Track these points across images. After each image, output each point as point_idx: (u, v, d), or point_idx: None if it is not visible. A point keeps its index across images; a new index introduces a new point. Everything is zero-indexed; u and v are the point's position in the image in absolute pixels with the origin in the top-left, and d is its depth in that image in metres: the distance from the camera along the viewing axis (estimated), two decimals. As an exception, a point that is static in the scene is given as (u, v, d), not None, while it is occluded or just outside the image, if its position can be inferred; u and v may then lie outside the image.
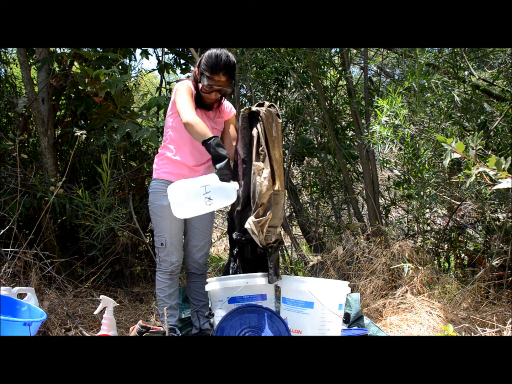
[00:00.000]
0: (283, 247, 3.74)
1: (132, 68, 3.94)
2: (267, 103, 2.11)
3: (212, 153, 1.89)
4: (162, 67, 3.88)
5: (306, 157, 4.23)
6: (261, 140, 2.03)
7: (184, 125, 1.98)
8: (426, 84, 2.75)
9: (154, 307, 2.78)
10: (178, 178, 2.14)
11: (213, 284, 2.08)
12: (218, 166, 1.87)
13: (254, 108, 2.05)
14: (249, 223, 1.97)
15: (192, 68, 3.65)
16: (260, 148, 2.04)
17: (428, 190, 2.88)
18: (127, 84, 3.62)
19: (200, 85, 2.08)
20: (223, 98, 2.21)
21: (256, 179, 2.00)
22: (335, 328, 1.98)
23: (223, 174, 1.87)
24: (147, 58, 3.90)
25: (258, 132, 2.04)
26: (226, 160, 1.87)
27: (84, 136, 2.83)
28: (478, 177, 2.52)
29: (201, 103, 2.15)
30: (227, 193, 1.89)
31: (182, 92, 2.05)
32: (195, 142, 2.03)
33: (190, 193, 1.88)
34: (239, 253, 2.17)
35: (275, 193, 2.03)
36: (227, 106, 2.28)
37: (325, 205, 4.24)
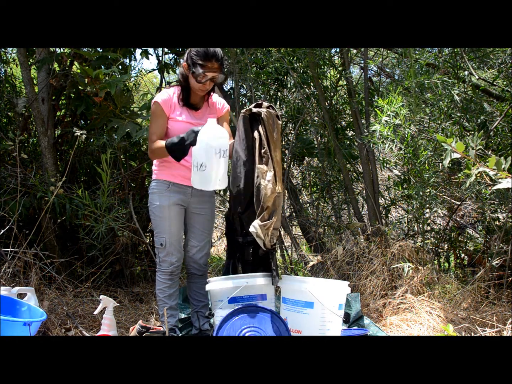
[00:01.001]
0: (284, 247, 3.75)
1: (132, 68, 3.94)
2: (265, 104, 2.10)
3: (181, 157, 1.99)
4: (162, 67, 3.87)
5: (306, 157, 4.23)
6: (263, 142, 2.02)
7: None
8: (426, 84, 2.75)
9: (154, 307, 2.78)
10: (177, 178, 2.15)
11: (213, 284, 2.08)
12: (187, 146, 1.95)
13: (254, 110, 2.04)
14: (255, 227, 1.95)
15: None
16: (263, 151, 2.02)
17: (428, 190, 2.88)
18: (127, 84, 3.62)
19: (192, 79, 2.08)
20: (212, 92, 2.21)
21: (260, 182, 1.99)
22: (335, 328, 1.98)
23: (182, 147, 1.95)
24: (147, 58, 3.89)
25: (260, 134, 2.03)
26: (183, 147, 1.95)
27: (84, 136, 2.83)
28: (478, 177, 2.52)
29: (189, 103, 2.15)
30: (209, 141, 1.90)
31: (151, 117, 2.16)
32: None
33: (211, 160, 1.93)
34: (240, 255, 2.17)
35: (277, 195, 2.02)
36: (219, 102, 2.27)
37: (325, 205, 4.24)
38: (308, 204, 4.45)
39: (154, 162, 2.23)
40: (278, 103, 4.16)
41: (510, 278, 2.69)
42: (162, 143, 2.02)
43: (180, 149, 1.96)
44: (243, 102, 3.93)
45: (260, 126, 2.03)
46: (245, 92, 3.93)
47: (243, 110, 2.06)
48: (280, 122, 2.11)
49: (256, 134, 2.04)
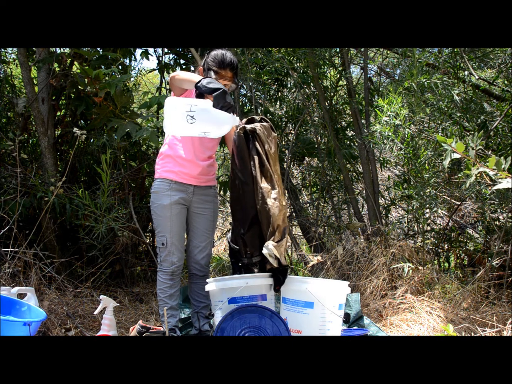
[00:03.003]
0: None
1: (132, 68, 3.94)
2: (257, 117, 2.06)
3: (206, 91, 1.89)
4: (162, 67, 3.88)
5: (306, 157, 4.24)
6: (263, 160, 1.97)
7: (170, 80, 2.09)
8: (426, 84, 2.75)
9: (154, 307, 2.78)
10: (179, 176, 2.15)
11: (213, 285, 2.08)
12: (213, 94, 1.86)
13: (248, 127, 1.98)
14: (269, 248, 1.92)
15: (192, 67, 3.66)
16: (264, 168, 1.98)
17: (428, 190, 2.88)
18: (127, 84, 3.62)
19: None
20: None
21: (266, 202, 1.94)
22: (335, 328, 1.98)
23: (218, 102, 1.85)
24: (147, 58, 3.90)
25: (258, 152, 1.98)
26: (221, 90, 1.86)
27: (84, 136, 2.83)
28: (478, 177, 2.52)
29: None
30: (216, 120, 1.86)
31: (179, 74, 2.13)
32: (195, 137, 2.08)
33: (174, 109, 1.87)
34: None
35: (285, 211, 2.01)
36: None
37: (325, 205, 4.24)
38: (308, 204, 4.45)
39: (157, 161, 2.23)
40: (278, 103, 4.16)
41: (510, 278, 2.69)
42: (195, 75, 2.02)
43: (211, 83, 1.89)
44: (243, 102, 3.94)
45: (256, 143, 1.98)
46: (245, 92, 3.93)
47: (237, 130, 2.00)
48: (275, 134, 2.06)
49: (253, 152, 1.98)
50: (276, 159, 2.05)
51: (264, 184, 1.97)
